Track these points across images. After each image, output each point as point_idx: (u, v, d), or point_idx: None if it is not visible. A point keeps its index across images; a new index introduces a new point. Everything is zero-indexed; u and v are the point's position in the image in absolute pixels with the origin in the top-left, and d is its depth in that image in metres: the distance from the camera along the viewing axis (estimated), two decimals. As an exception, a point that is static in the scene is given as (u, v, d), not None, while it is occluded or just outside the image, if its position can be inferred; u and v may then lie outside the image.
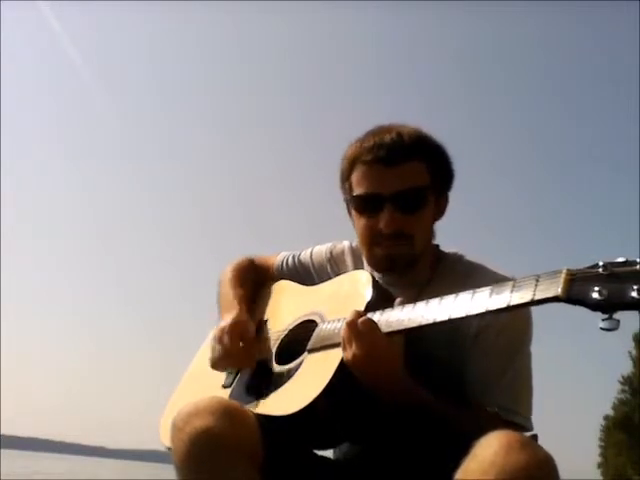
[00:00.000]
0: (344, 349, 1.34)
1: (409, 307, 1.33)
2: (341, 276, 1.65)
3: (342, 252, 1.76)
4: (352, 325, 1.33)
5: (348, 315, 1.36)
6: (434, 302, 1.29)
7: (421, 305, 1.31)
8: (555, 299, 1.08)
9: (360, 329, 1.32)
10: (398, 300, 1.38)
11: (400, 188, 1.50)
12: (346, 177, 1.60)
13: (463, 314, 1.23)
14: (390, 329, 1.32)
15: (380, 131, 1.56)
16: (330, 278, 1.70)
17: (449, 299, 1.27)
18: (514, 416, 1.43)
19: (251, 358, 1.59)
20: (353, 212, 1.60)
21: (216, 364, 1.62)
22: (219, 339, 1.60)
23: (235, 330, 1.59)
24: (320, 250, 1.80)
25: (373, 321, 1.33)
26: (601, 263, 1.06)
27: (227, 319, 1.62)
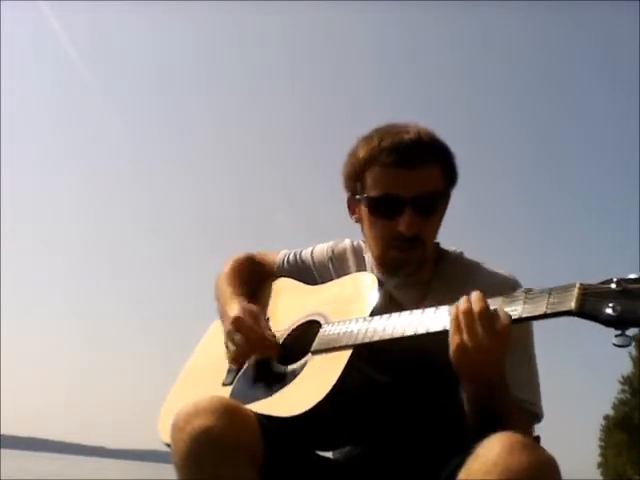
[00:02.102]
0: (460, 334, 1.25)
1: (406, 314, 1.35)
2: (345, 277, 1.63)
3: (344, 251, 1.74)
4: (482, 312, 1.24)
5: (474, 301, 1.26)
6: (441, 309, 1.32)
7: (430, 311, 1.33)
8: (568, 313, 1.10)
9: (493, 317, 1.23)
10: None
11: (421, 191, 1.49)
12: (357, 176, 1.55)
13: None
14: None
15: (397, 130, 1.53)
16: (332, 277, 1.69)
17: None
18: (533, 407, 1.45)
19: (274, 344, 1.54)
20: (365, 213, 1.56)
21: (239, 355, 1.55)
22: (237, 328, 1.53)
23: (252, 316, 1.55)
24: (322, 249, 1.78)
25: (505, 311, 1.24)
26: (614, 279, 1.07)
27: (235, 310, 1.58)
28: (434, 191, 1.51)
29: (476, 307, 1.25)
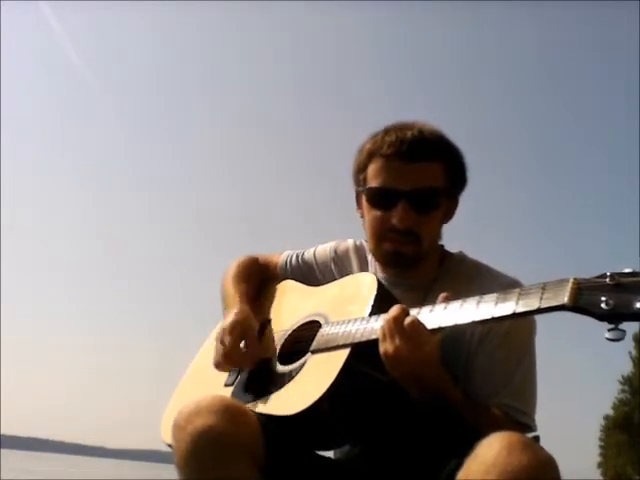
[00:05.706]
0: (384, 342, 1.30)
1: (414, 310, 1.32)
2: (346, 278, 1.64)
3: (346, 251, 1.75)
4: (397, 320, 1.29)
5: (392, 310, 1.32)
6: (439, 308, 1.29)
7: (426, 310, 1.31)
8: (561, 308, 1.09)
9: (406, 324, 1.28)
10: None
11: (417, 185, 1.50)
12: (362, 169, 1.59)
13: (469, 320, 1.23)
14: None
15: (402, 126, 1.56)
16: (334, 277, 1.70)
17: (455, 305, 1.27)
18: (522, 416, 1.43)
19: (252, 359, 1.58)
20: (365, 204, 1.59)
21: (218, 364, 1.62)
22: (220, 340, 1.59)
23: (236, 330, 1.58)
24: (324, 249, 1.79)
25: (418, 319, 1.29)
26: (608, 273, 1.06)
27: (229, 318, 1.62)
28: (433, 188, 1.52)
29: (396, 316, 1.29)
